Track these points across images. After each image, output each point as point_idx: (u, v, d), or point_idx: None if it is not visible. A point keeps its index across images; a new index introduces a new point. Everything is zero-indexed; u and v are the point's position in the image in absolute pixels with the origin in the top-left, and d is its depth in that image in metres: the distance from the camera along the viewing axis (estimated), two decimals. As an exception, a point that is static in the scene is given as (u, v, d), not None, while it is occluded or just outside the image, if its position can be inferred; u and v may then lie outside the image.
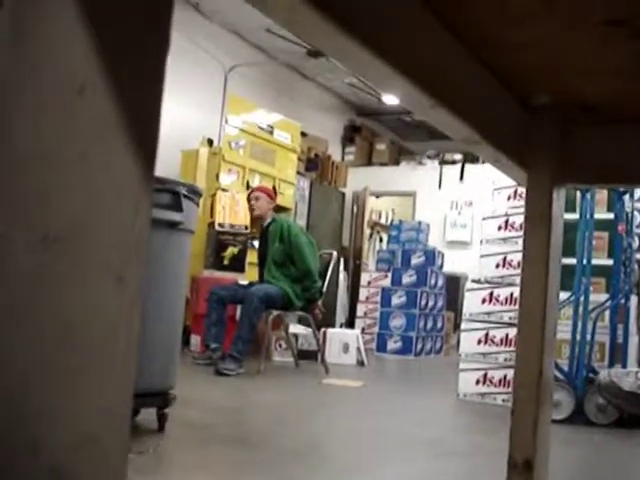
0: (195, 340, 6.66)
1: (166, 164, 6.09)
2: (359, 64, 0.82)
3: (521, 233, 1.35)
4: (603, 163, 1.35)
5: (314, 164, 10.98)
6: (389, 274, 9.53)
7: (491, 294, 5.21)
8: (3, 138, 0.37)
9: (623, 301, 4.72)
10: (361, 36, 0.72)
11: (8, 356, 0.38)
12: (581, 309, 4.47)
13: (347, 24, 0.69)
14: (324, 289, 6.16)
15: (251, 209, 6.21)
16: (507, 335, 5.07)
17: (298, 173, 9.58)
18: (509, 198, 5.36)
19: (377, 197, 13.15)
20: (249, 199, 6.24)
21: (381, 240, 13.07)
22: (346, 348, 7.25)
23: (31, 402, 0.38)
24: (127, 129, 0.40)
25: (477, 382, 5.13)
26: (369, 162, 12.96)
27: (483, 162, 11.40)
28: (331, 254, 6.49)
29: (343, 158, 12.65)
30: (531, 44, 1.06)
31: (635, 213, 5.33)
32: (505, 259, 5.24)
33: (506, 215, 5.33)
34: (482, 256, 5.40)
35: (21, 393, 0.38)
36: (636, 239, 5.56)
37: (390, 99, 10.63)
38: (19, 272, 0.37)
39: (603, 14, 0.92)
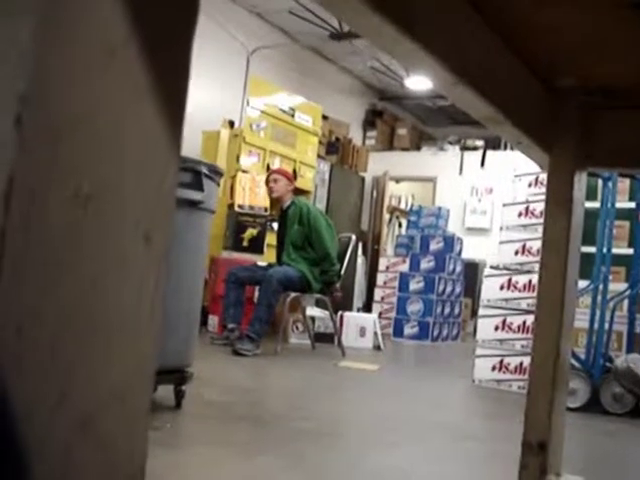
0: (213, 321, 6.71)
1: (187, 144, 6.06)
2: (388, 42, 0.83)
3: (541, 220, 1.35)
4: (626, 147, 1.35)
5: (335, 148, 10.97)
6: (407, 259, 9.52)
7: (509, 280, 5.19)
8: (40, 101, 0.38)
9: (642, 291, 4.69)
10: (392, 14, 0.73)
11: (39, 311, 0.39)
12: (600, 298, 4.45)
13: (379, 2, 0.69)
14: (342, 272, 6.17)
15: (270, 191, 6.21)
16: (524, 322, 5.06)
17: (318, 156, 9.57)
18: (530, 185, 5.33)
19: (397, 182, 13.12)
20: (267, 181, 6.24)
21: (400, 225, 13.05)
22: (363, 332, 7.26)
23: (59, 356, 0.40)
24: (157, 91, 0.41)
25: (493, 368, 5.13)
26: (390, 147, 12.93)
27: (505, 149, 11.34)
28: (350, 237, 6.49)
29: (364, 142, 12.63)
30: (557, 27, 1.06)
31: (657, 203, 5.29)
32: (524, 246, 5.22)
33: (527, 202, 5.30)
34: (501, 242, 5.38)
35: (50, 347, 0.39)
36: (657, 229, 5.51)
37: (413, 83, 10.58)
38: (52, 229, 0.38)
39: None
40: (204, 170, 3.14)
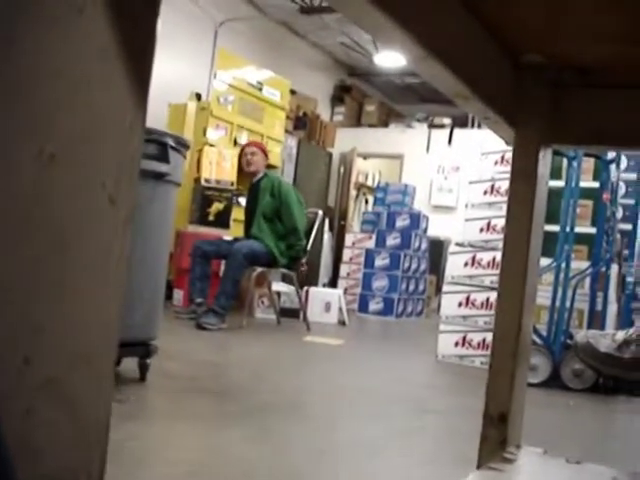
0: (178, 294, 6.68)
1: (153, 117, 5.98)
2: (357, 13, 0.82)
3: (506, 198, 1.36)
4: (591, 125, 1.36)
5: (302, 123, 10.93)
6: (373, 236, 9.57)
7: (474, 258, 5.25)
8: (8, 56, 0.38)
9: (604, 269, 4.77)
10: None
11: (6, 273, 0.38)
12: (562, 276, 4.52)
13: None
14: (308, 248, 6.18)
15: (247, 164, 6.23)
16: (488, 299, 5.12)
17: (286, 131, 9.53)
18: (496, 163, 5.37)
19: (364, 158, 13.13)
20: (244, 154, 6.24)
21: (367, 202, 13.09)
22: (328, 307, 7.29)
23: (25, 319, 0.39)
24: (123, 51, 0.40)
25: (456, 344, 5.19)
26: (358, 123, 12.92)
27: (472, 127, 11.38)
28: (316, 213, 6.50)
29: (332, 118, 12.60)
30: (528, 1, 1.06)
31: (620, 183, 5.37)
32: (489, 224, 5.27)
33: (492, 180, 5.35)
34: (467, 220, 5.43)
35: (16, 309, 0.39)
36: (620, 209, 5.61)
37: (382, 60, 10.55)
38: (17, 188, 0.38)
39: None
40: (170, 142, 3.11)
